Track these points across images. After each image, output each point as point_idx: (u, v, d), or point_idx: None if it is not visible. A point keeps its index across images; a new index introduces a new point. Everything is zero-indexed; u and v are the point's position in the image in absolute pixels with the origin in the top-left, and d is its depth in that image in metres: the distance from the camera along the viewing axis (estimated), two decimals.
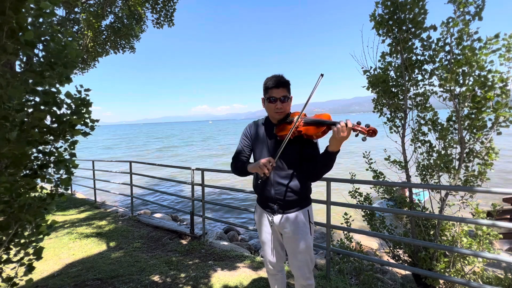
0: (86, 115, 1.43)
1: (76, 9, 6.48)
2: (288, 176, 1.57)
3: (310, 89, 1.38)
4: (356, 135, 1.33)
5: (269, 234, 1.70)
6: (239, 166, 1.68)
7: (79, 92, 1.42)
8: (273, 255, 1.74)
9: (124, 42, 7.72)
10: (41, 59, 1.29)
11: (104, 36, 7.28)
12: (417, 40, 2.94)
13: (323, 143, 1.50)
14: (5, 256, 1.38)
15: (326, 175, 1.71)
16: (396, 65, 3.14)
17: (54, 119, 1.33)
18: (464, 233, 2.78)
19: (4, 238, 1.31)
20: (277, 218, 1.62)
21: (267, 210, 1.67)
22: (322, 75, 1.39)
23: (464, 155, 2.78)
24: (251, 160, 1.74)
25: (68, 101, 1.38)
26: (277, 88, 1.55)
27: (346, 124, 1.29)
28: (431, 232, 3.09)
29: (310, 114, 1.56)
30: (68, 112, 1.38)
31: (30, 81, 1.24)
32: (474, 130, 2.67)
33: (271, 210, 1.64)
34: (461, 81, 2.68)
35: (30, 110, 1.27)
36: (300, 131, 1.49)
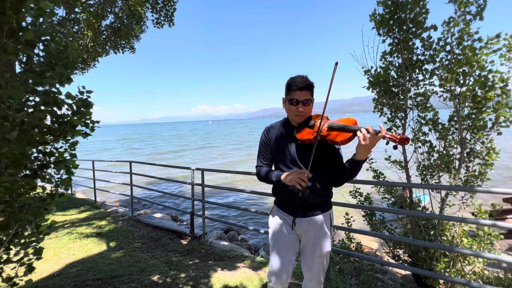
0: (87, 116, 1.43)
1: (76, 9, 6.47)
2: (310, 179, 1.51)
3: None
4: (387, 143, 1.28)
5: (286, 242, 1.60)
6: (264, 176, 1.64)
7: (81, 93, 1.42)
8: (285, 269, 1.58)
9: (124, 42, 7.72)
10: (41, 59, 1.29)
11: (104, 36, 7.28)
12: (417, 40, 2.94)
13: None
14: (5, 256, 1.38)
15: None
16: (397, 64, 3.13)
17: (54, 119, 1.33)
18: (465, 233, 2.78)
19: (4, 238, 1.31)
20: (299, 221, 1.56)
21: (288, 212, 1.60)
22: (337, 63, 1.31)
23: (465, 155, 2.78)
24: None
25: (69, 101, 1.38)
26: (300, 91, 1.47)
27: (380, 130, 1.24)
28: (431, 232, 3.09)
29: (332, 118, 1.51)
30: (69, 112, 1.38)
31: (30, 81, 1.24)
32: (475, 130, 2.67)
33: (292, 213, 1.58)
34: (461, 81, 2.68)
35: (30, 110, 1.27)
36: (324, 135, 1.44)
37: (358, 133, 1.28)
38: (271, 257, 1.65)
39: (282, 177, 1.51)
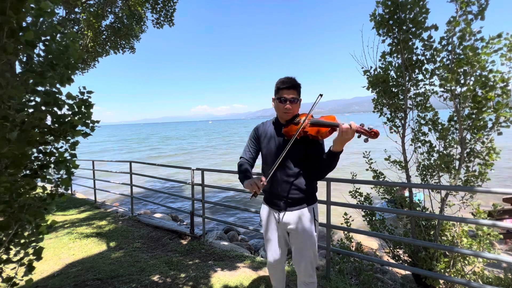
0: (87, 116, 1.43)
1: (76, 9, 6.47)
2: (294, 175, 1.63)
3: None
4: (359, 137, 1.39)
5: (275, 231, 1.75)
6: (238, 171, 1.76)
7: (82, 93, 1.42)
8: (278, 251, 1.78)
9: (124, 42, 7.71)
10: (42, 59, 1.29)
11: (104, 36, 7.27)
12: (417, 40, 2.93)
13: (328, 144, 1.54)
14: (5, 256, 1.38)
15: (327, 175, 1.73)
16: (397, 65, 3.13)
17: (54, 120, 1.33)
18: (465, 233, 2.78)
19: (4, 238, 1.31)
20: (283, 215, 1.67)
21: (274, 207, 1.72)
22: (321, 95, 1.52)
23: (465, 155, 2.78)
24: (259, 158, 1.84)
25: (69, 101, 1.38)
26: (287, 90, 1.61)
27: (350, 126, 1.36)
28: (431, 232, 3.09)
29: (317, 116, 1.62)
30: (70, 113, 1.38)
31: (31, 81, 1.24)
32: (475, 130, 2.67)
33: (278, 208, 1.69)
34: (462, 81, 2.68)
35: (31, 110, 1.27)
36: (306, 131, 1.55)
37: (342, 125, 1.38)
38: (266, 247, 1.84)
39: (244, 183, 1.62)
